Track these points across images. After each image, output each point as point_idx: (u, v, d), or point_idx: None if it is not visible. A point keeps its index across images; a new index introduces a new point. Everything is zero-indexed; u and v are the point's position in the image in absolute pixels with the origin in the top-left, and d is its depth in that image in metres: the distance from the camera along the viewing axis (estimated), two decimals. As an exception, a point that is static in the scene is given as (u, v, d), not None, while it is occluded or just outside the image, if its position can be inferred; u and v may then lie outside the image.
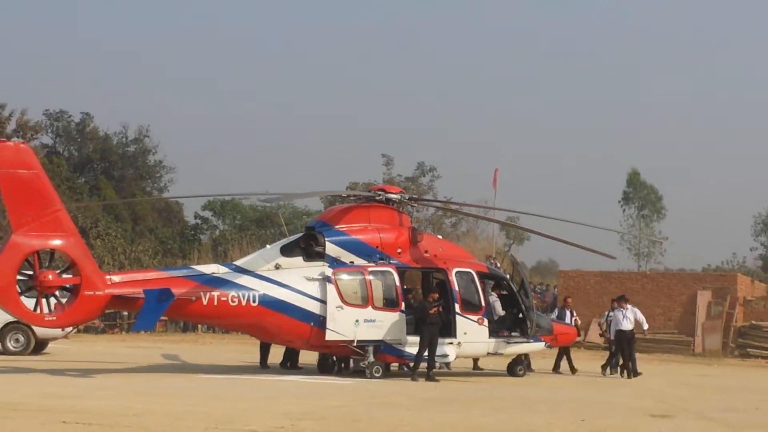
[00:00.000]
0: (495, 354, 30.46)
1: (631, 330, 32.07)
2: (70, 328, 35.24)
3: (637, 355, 33.25)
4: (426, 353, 28.54)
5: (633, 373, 31.74)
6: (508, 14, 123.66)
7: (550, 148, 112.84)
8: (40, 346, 35.82)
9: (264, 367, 31.51)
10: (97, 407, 19.89)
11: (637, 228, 77.88)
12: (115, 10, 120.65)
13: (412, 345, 28.94)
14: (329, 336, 28.56)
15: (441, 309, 28.78)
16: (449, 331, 29.45)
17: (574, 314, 34.03)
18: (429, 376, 28.42)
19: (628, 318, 32.04)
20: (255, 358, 32.80)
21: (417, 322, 28.86)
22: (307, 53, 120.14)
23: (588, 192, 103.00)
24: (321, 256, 29.31)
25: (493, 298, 30.69)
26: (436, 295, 29.13)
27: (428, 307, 28.49)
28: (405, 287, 29.91)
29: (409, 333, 29.01)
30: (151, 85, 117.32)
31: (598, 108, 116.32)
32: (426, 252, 30.60)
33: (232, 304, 28.15)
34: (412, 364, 29.01)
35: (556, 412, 21.58)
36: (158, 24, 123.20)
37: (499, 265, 38.70)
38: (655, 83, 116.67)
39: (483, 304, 29.97)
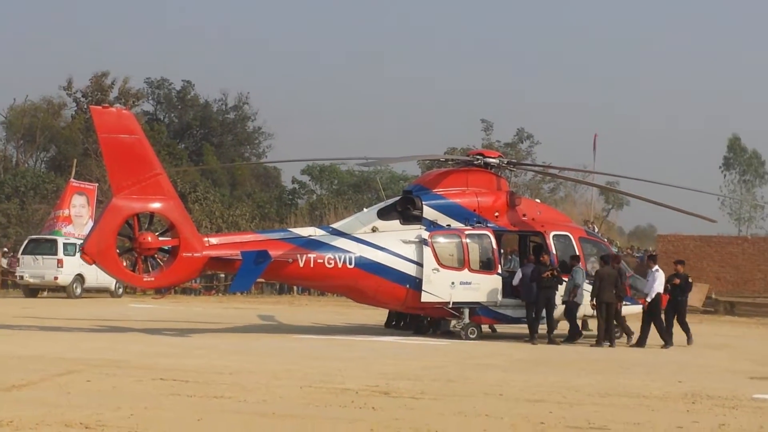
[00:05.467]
0: (591, 317, 30.20)
1: (658, 294, 28.24)
2: None
3: (739, 319, 31.35)
4: (541, 317, 28.46)
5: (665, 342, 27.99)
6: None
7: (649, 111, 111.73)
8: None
9: (389, 327, 31.83)
10: (193, 365, 20.12)
11: (739, 193, 77.12)
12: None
13: (507, 307, 28.93)
14: (425, 298, 28.56)
15: (555, 273, 28.60)
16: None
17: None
18: (550, 339, 28.28)
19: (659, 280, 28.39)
20: (350, 319, 32.82)
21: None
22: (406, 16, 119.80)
23: (686, 157, 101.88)
24: (418, 219, 29.28)
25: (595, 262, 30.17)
26: (548, 258, 28.94)
27: (542, 270, 28.36)
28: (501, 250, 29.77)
29: (505, 295, 28.98)
30: (250, 53, 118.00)
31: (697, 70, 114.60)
32: (524, 215, 30.40)
33: (328, 266, 28.25)
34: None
35: (653, 374, 21.35)
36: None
37: (597, 229, 38.31)
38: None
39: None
